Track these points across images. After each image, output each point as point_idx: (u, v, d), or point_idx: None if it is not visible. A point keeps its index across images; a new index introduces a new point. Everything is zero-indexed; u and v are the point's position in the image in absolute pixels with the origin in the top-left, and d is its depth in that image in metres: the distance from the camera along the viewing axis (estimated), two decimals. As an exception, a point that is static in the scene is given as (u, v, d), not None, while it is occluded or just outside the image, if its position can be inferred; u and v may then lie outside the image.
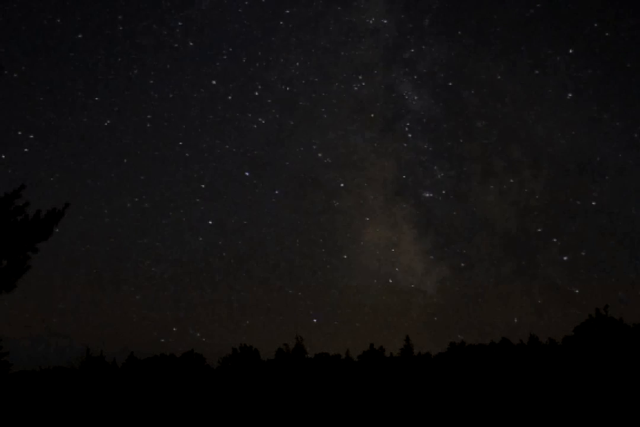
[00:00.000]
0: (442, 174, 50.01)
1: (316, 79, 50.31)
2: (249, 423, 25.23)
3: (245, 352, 34.36)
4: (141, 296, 50.59)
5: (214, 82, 49.53)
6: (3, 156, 49.16)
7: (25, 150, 49.32)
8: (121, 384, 29.64)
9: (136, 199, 48.99)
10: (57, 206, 11.12)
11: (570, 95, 49.69)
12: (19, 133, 48.04)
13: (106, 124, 49.96)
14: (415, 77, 49.77)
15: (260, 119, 51.00)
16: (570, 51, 47.93)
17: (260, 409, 26.31)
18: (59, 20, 48.59)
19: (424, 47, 49.19)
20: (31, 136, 48.92)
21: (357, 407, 26.31)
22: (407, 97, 49.81)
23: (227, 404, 27.34)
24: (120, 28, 49.14)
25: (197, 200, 52.71)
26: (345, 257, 50.04)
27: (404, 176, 50.97)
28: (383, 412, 25.56)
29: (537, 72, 48.56)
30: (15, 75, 48.22)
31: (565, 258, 50.72)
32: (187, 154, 52.13)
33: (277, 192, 52.48)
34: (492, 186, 49.70)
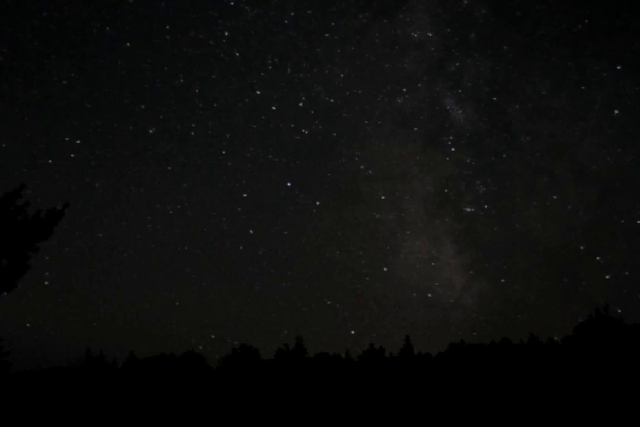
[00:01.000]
0: (485, 189, 49.28)
1: (360, 91, 50.03)
2: (249, 423, 25.22)
3: (245, 352, 34.32)
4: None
5: (258, 92, 49.23)
6: (50, 161, 48.95)
7: (72, 155, 48.88)
8: (121, 384, 29.62)
9: (178, 206, 48.67)
10: (68, 207, 11.11)
11: (616, 111, 49.25)
12: (66, 139, 48.03)
13: (151, 131, 49.46)
14: (460, 91, 49.31)
15: (303, 130, 50.58)
16: (618, 67, 47.55)
17: (260, 409, 26.30)
18: (107, 29, 48.21)
19: (469, 61, 48.72)
20: (78, 142, 48.65)
21: (357, 407, 26.30)
22: (450, 111, 49.29)
23: (227, 404, 27.32)
24: (167, 37, 48.74)
25: (239, 209, 52.63)
26: (385, 269, 49.43)
27: (446, 190, 50.27)
28: (383, 412, 25.55)
29: (583, 87, 48.13)
30: (64, 82, 48.07)
31: (607, 277, 50.01)
32: (229, 163, 52.14)
33: (318, 203, 51.92)
34: (535, 202, 49.21)
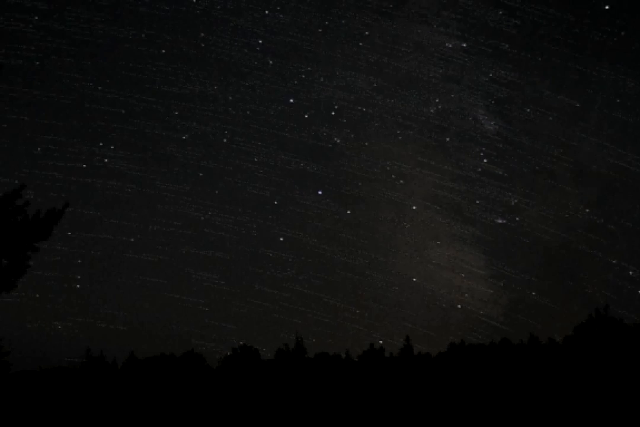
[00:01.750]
0: (517, 201, 49.10)
1: (392, 100, 50.04)
2: (249, 423, 25.23)
3: (245, 352, 34.35)
4: (209, 309, 51.08)
5: (291, 100, 49.41)
6: (84, 166, 48.88)
7: (105, 160, 48.74)
8: (121, 384, 29.63)
9: (209, 213, 48.73)
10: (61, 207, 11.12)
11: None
12: (100, 144, 48.49)
13: (184, 137, 49.47)
14: (492, 101, 49.30)
15: (335, 138, 50.54)
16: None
17: (260, 409, 26.31)
18: (143, 35, 48.22)
19: (502, 72, 48.62)
20: (112, 147, 48.70)
21: (357, 407, 26.31)
22: (483, 122, 49.23)
23: (227, 404, 27.33)
24: (203, 45, 48.71)
25: (270, 216, 52.94)
26: (415, 280, 49.31)
27: (477, 201, 50.04)
28: (383, 412, 25.57)
29: (618, 100, 48.25)
30: (99, 87, 48.09)
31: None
32: (261, 171, 52.52)
33: (349, 211, 51.96)
34: (567, 215, 49.03)
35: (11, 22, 45.74)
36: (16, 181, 49.26)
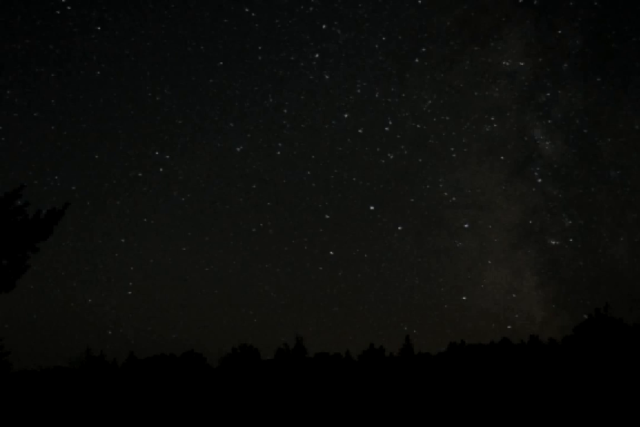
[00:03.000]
0: (571, 222, 48.57)
1: (447, 118, 49.98)
2: (249, 423, 25.21)
3: (245, 351, 34.36)
4: (259, 318, 51.22)
5: (346, 115, 49.58)
6: (140, 174, 49.50)
7: (160, 169, 49.30)
8: (121, 384, 29.63)
9: (261, 224, 48.96)
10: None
11: None
12: (156, 153, 48.57)
13: (238, 149, 49.86)
14: (549, 121, 48.98)
15: (389, 154, 50.68)
16: None
17: (260, 409, 26.29)
18: (202, 48, 48.74)
19: (560, 91, 48.38)
20: (167, 157, 49.13)
21: (357, 406, 26.29)
22: (539, 142, 48.84)
23: (227, 404, 27.32)
24: (260, 58, 49.13)
25: (321, 230, 52.79)
26: (464, 298, 49.17)
27: (531, 222, 49.64)
28: (383, 412, 25.55)
29: None
30: (157, 98, 48.80)
31: None
32: (313, 184, 52.32)
33: (400, 228, 51.88)
34: (622, 238, 48.47)
35: (76, 32, 46.58)
36: (73, 187, 50.19)
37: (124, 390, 28.73)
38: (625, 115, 49.36)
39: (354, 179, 50.89)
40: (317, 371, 30.98)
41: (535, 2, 47.23)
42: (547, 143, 49.40)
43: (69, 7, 45.14)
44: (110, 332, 46.16)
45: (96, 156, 49.60)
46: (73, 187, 47.58)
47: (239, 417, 25.74)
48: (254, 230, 49.78)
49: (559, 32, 48.06)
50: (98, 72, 47.64)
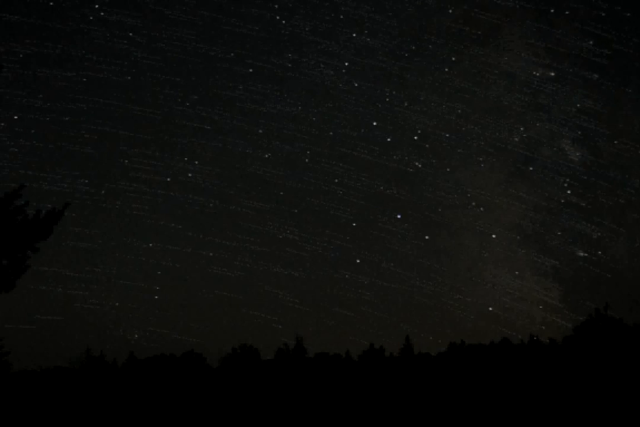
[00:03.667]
0: (600, 234, 48.16)
1: (476, 127, 49.97)
2: (249, 423, 25.22)
3: (245, 352, 34.38)
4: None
5: (374, 123, 49.67)
6: (168, 179, 49.66)
7: (189, 175, 49.37)
8: (121, 384, 29.64)
9: (287, 231, 49.02)
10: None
11: None
12: (185, 158, 48.98)
13: (267, 156, 49.98)
14: (568, 128, 48.76)
15: (417, 163, 50.66)
16: None
17: (260, 409, 26.30)
18: (232, 54, 49.01)
19: (591, 102, 48.19)
20: (196, 162, 49.30)
21: (357, 407, 26.30)
22: (569, 152, 48.53)
23: (227, 404, 27.33)
24: (289, 65, 49.28)
25: (347, 238, 52.94)
26: (490, 309, 48.92)
27: (559, 233, 49.33)
28: (383, 412, 25.56)
29: None
30: (187, 103, 49.06)
31: None
32: (340, 192, 52.46)
33: (427, 237, 51.72)
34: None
35: (109, 38, 46.95)
36: (103, 191, 50.14)
37: (124, 390, 28.74)
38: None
39: (382, 187, 50.20)
40: (317, 371, 30.99)
41: (548, 8, 47.21)
42: (576, 154, 49.01)
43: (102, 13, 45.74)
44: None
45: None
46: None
47: (239, 417, 25.76)
48: (280, 237, 49.59)
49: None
50: (129, 77, 47.88)
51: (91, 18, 46.40)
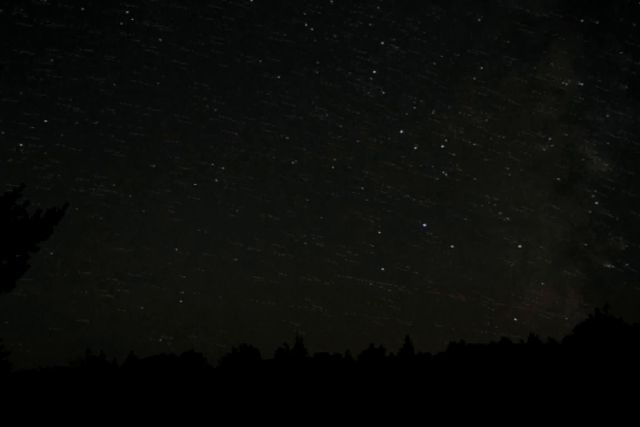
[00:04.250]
0: (627, 246, 47.54)
1: (504, 137, 49.82)
2: (249, 423, 25.23)
3: (245, 352, 34.35)
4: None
5: (401, 131, 49.69)
6: (195, 184, 50.05)
7: (215, 180, 49.56)
8: (121, 384, 29.63)
9: (313, 238, 49.05)
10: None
11: None
12: (212, 164, 49.15)
13: (293, 162, 50.23)
14: (599, 140, 48.28)
15: (443, 172, 50.61)
16: None
17: (260, 409, 26.31)
18: (261, 61, 49.29)
19: (609, 109, 47.64)
20: (222, 168, 49.46)
21: (357, 407, 26.30)
22: (597, 163, 47.94)
23: (227, 404, 27.33)
24: (317, 72, 49.54)
25: (372, 245, 52.94)
26: (515, 320, 48.65)
27: (586, 244, 48.81)
28: (383, 412, 25.56)
29: None
30: (215, 109, 49.43)
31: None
32: (366, 199, 52.37)
33: (452, 246, 51.50)
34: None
35: (139, 44, 47.38)
36: (130, 195, 50.62)
37: (124, 390, 28.74)
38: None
39: (407, 195, 49.99)
40: (317, 371, 30.98)
41: (584, 19, 47.02)
42: (605, 165, 48.41)
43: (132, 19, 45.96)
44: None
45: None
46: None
47: (239, 417, 25.76)
48: (305, 243, 49.47)
49: (609, 48, 47.70)
50: (158, 83, 48.08)
51: (122, 24, 47.07)
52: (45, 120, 46.41)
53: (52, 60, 47.06)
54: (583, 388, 23.67)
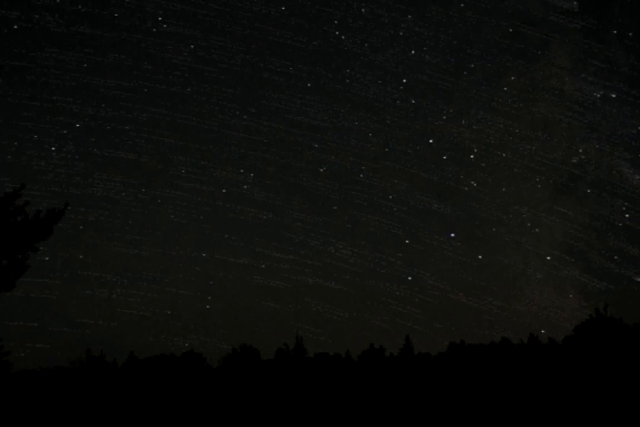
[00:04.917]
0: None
1: (533, 147, 49.78)
2: (249, 423, 25.24)
3: (245, 352, 34.37)
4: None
5: (430, 140, 49.89)
6: (224, 190, 50.28)
7: (245, 187, 49.73)
8: (121, 384, 29.64)
9: (340, 245, 49.18)
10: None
11: None
12: (241, 170, 49.38)
13: (321, 170, 50.52)
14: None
15: (472, 182, 50.82)
16: None
17: (260, 409, 26.32)
18: (290, 68, 49.83)
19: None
20: (251, 175, 49.65)
21: (357, 407, 26.31)
22: (628, 175, 47.75)
23: (227, 404, 27.34)
24: (347, 80, 49.96)
25: (400, 255, 53.01)
26: (543, 332, 48.53)
27: (615, 257, 48.58)
28: (383, 412, 25.57)
29: None
30: (245, 116, 49.73)
31: None
32: (394, 208, 52.26)
33: (480, 257, 51.18)
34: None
35: (169, 50, 48.03)
36: (159, 200, 50.85)
37: (124, 390, 28.74)
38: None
39: (436, 205, 49.81)
40: (317, 371, 30.99)
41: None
42: (636, 177, 48.13)
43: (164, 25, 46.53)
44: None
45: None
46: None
47: (239, 417, 25.77)
48: (320, 248, 49.45)
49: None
50: (189, 89, 48.30)
51: (154, 30, 47.40)
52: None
53: (85, 65, 47.55)
54: (583, 388, 23.67)
